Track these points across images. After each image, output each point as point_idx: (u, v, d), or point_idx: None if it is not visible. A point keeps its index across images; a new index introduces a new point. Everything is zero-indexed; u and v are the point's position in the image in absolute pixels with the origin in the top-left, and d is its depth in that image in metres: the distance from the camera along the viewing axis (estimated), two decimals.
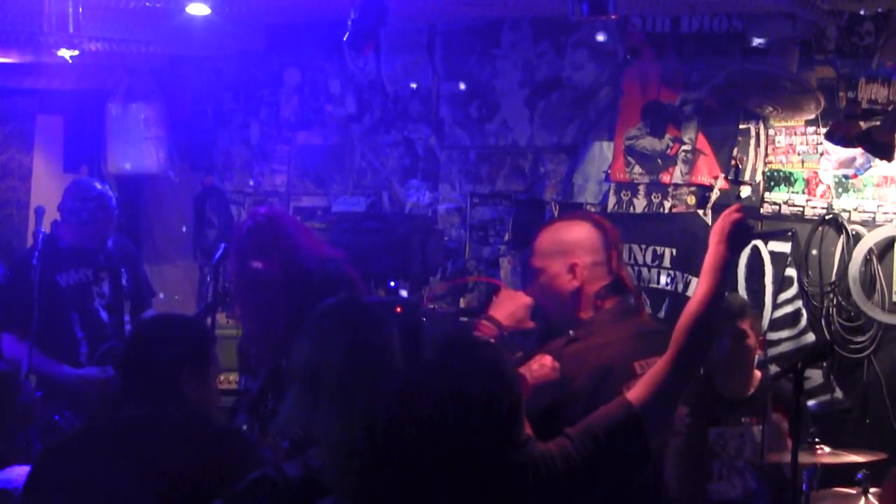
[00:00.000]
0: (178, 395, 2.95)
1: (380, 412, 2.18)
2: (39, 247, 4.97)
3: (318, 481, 2.45)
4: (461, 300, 5.87)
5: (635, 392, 2.83)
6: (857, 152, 5.10)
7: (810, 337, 5.28)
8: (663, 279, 5.54)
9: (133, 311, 5.39)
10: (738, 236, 2.94)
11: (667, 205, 5.56)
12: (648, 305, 5.55)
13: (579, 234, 3.28)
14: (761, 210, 5.39)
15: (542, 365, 3.08)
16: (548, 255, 3.27)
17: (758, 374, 4.76)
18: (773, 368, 5.23)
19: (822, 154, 5.27)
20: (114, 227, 5.45)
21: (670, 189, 5.55)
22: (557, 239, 3.29)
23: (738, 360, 4.67)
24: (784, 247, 5.34)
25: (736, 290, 5.40)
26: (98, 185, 5.41)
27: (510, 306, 3.30)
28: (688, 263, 5.48)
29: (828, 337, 5.22)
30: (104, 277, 5.37)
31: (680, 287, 5.49)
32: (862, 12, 4.99)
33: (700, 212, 5.48)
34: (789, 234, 5.33)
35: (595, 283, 3.22)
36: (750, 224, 3.03)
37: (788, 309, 5.33)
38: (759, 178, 5.41)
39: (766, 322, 5.31)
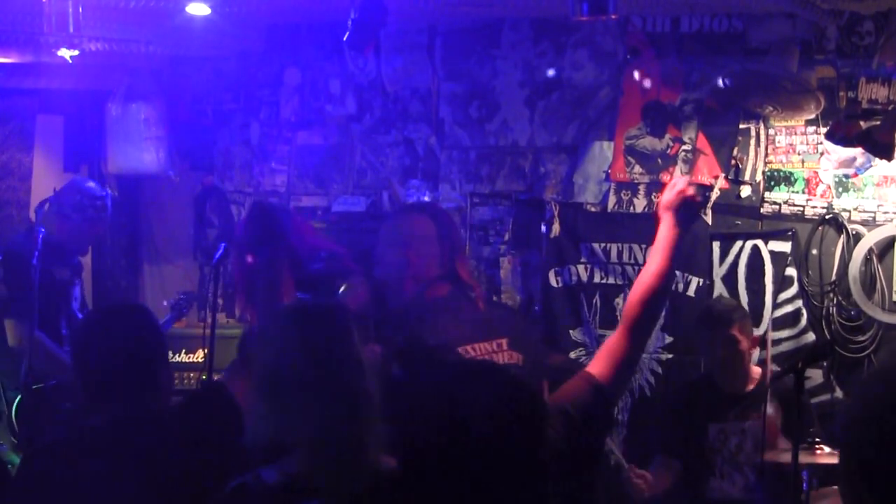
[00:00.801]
0: (158, 389, 2.96)
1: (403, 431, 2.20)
2: (39, 247, 4.96)
3: (297, 486, 2.42)
4: None
5: (595, 366, 2.96)
6: (857, 152, 5.10)
7: (810, 337, 5.28)
8: None
9: None
10: (684, 209, 3.10)
11: None
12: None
13: (413, 226, 3.50)
14: (761, 210, 5.40)
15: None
16: (385, 246, 3.50)
17: (757, 370, 4.78)
18: (774, 368, 5.23)
19: (822, 154, 5.27)
20: (104, 231, 5.49)
21: None
22: (394, 231, 3.53)
23: (732, 364, 4.70)
24: (784, 246, 5.34)
25: (736, 289, 5.41)
26: (93, 185, 5.45)
27: (356, 294, 3.54)
28: (688, 263, 5.48)
29: (828, 337, 5.22)
30: (77, 283, 5.41)
31: (680, 287, 5.48)
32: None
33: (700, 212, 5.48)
34: (789, 233, 5.34)
35: (427, 273, 3.43)
36: (698, 197, 3.15)
37: (788, 308, 5.33)
38: (759, 177, 5.41)
39: (766, 322, 5.31)
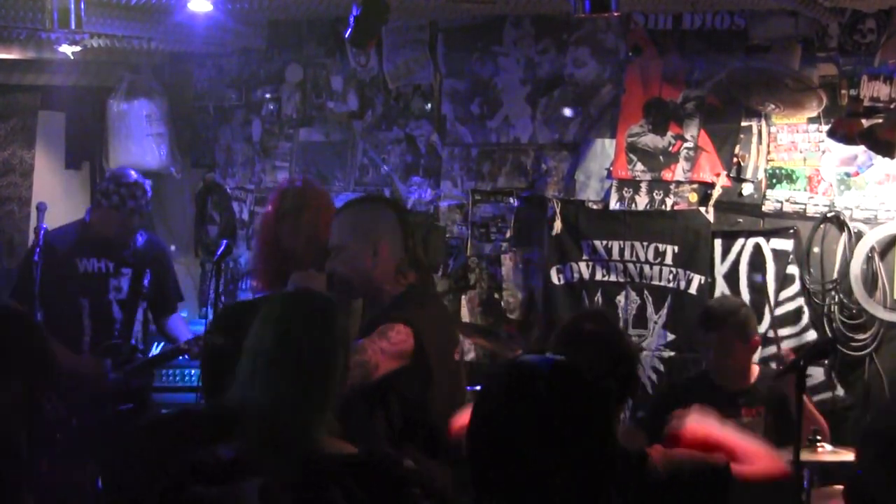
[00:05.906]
0: None
1: None
2: (41, 243, 4.96)
3: (245, 463, 2.51)
4: None
5: (743, 466, 2.92)
6: (858, 150, 5.10)
7: (812, 335, 5.28)
8: (665, 276, 5.54)
9: (153, 312, 5.37)
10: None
11: (669, 202, 5.56)
12: (651, 303, 5.56)
13: (377, 214, 3.62)
14: (763, 207, 5.39)
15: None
16: (350, 233, 3.57)
17: (756, 368, 4.72)
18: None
19: (824, 151, 5.26)
20: (142, 220, 5.38)
21: (672, 186, 5.55)
22: (358, 218, 3.62)
23: (725, 364, 4.61)
24: (786, 244, 5.34)
25: (737, 287, 5.41)
26: (134, 174, 5.33)
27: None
28: (690, 261, 5.48)
29: (829, 335, 5.21)
30: (125, 274, 5.30)
31: (682, 285, 5.49)
32: None
33: (702, 209, 5.48)
34: (791, 231, 5.34)
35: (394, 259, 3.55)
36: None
37: (790, 307, 5.33)
38: (761, 175, 5.41)
39: (767, 320, 5.31)
